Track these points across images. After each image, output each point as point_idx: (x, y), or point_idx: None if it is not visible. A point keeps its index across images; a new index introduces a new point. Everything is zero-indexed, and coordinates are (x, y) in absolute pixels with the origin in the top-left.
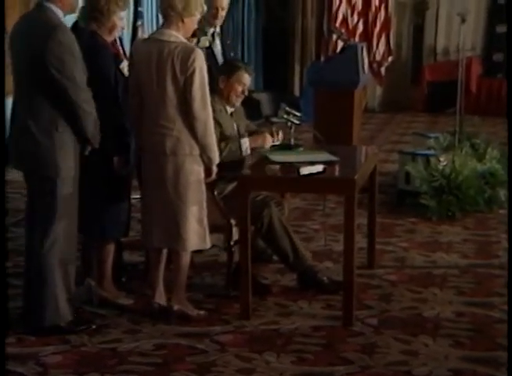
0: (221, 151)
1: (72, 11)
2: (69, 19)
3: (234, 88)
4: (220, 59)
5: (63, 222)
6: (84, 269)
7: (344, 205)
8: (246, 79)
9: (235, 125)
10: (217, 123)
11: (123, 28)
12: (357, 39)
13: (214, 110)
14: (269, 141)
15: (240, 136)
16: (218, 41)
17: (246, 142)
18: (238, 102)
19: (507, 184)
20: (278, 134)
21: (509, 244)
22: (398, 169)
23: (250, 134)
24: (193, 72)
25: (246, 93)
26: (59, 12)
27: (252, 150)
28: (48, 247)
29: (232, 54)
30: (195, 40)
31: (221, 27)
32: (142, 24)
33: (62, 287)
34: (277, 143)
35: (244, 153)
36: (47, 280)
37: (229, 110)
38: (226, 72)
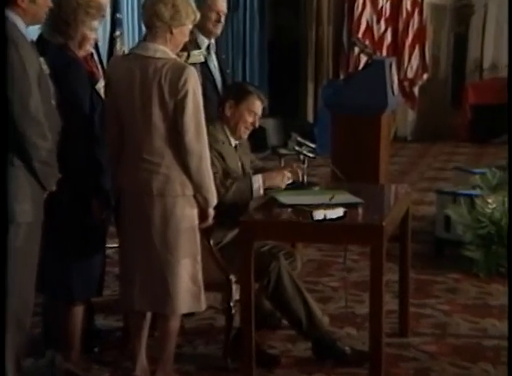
0: (226, 190)
1: (37, 22)
2: (33, 31)
3: (243, 118)
4: (217, 76)
5: (15, 278)
6: (46, 337)
7: (370, 257)
8: (258, 108)
9: (239, 162)
10: (219, 156)
11: (97, 40)
12: (384, 52)
13: (216, 140)
14: (288, 179)
15: (246, 175)
16: (213, 56)
17: (258, 180)
18: (245, 134)
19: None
20: (297, 172)
21: (508, 254)
22: (436, 213)
23: (258, 172)
24: (185, 95)
25: (257, 125)
26: (20, 23)
27: (266, 190)
28: None
29: (228, 70)
30: (185, 54)
31: (216, 39)
32: (122, 34)
33: (10, 357)
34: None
35: (256, 194)
36: None
37: (233, 142)
38: (234, 97)
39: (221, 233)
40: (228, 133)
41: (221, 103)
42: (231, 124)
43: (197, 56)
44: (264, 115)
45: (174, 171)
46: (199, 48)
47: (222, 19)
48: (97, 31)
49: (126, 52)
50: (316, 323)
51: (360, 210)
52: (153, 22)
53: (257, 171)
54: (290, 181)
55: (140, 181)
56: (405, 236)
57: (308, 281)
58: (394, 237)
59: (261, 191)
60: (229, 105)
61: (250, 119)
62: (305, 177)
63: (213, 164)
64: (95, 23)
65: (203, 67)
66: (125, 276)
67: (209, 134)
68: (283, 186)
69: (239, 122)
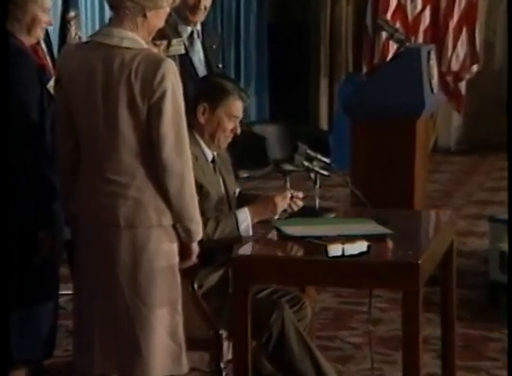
0: (207, 236)
1: None
2: None
3: (221, 125)
4: (202, 71)
5: None
6: None
7: (402, 306)
8: (239, 110)
9: (221, 181)
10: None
11: (50, 24)
12: (421, 38)
13: None
14: (281, 207)
15: (231, 200)
16: (198, 46)
17: (246, 218)
18: (225, 144)
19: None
20: (294, 198)
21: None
22: (489, 247)
23: (245, 202)
24: (162, 96)
25: (239, 131)
26: None
27: (256, 225)
28: None
29: (220, 65)
30: (164, 43)
31: (203, 23)
32: (77, 16)
33: None
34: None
35: (245, 234)
36: None
37: (210, 155)
38: (208, 98)
39: (208, 275)
40: (203, 144)
41: (192, 106)
42: (206, 132)
43: (176, 45)
44: (263, 121)
45: (147, 194)
46: (179, 36)
47: (204, 4)
48: (50, 12)
49: (83, 39)
50: None
51: (389, 243)
52: (121, 1)
53: (245, 200)
54: (284, 208)
55: (103, 208)
56: (448, 279)
57: (322, 336)
58: (433, 279)
59: (251, 231)
60: (203, 109)
61: (230, 125)
62: (317, 201)
63: None
64: (47, 2)
65: (184, 60)
66: (82, 330)
67: None
68: (275, 217)
69: (217, 130)
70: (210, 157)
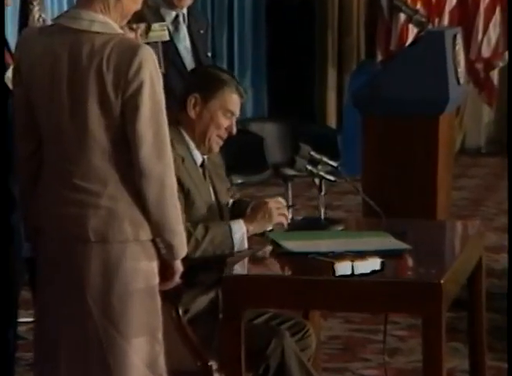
0: (196, 244)
1: None
2: None
3: (215, 120)
4: (189, 62)
5: None
6: None
7: (423, 334)
8: (236, 104)
9: (211, 189)
10: (178, 184)
11: (7, 4)
12: (446, 20)
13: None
14: (276, 217)
15: (223, 211)
16: (184, 31)
17: (241, 228)
18: (218, 146)
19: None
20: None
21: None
22: None
23: (239, 213)
24: (139, 89)
25: (234, 131)
26: None
27: (251, 238)
28: None
29: (209, 53)
30: (142, 27)
31: (189, 6)
32: None
33: None
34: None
35: (238, 247)
36: None
37: (199, 158)
38: (201, 89)
39: (194, 298)
40: (192, 145)
41: (182, 99)
42: (197, 129)
43: (158, 30)
44: (260, 118)
45: (121, 203)
46: (162, 20)
47: None
48: None
49: (48, 22)
50: None
51: (407, 260)
52: None
53: (238, 209)
54: (281, 216)
55: (69, 219)
56: (476, 301)
57: (330, 368)
58: (459, 302)
59: (246, 243)
60: (194, 100)
61: (224, 122)
62: (322, 211)
63: None
64: None
65: (168, 48)
66: (44, 361)
67: None
68: (269, 227)
69: (209, 126)
70: (199, 161)
